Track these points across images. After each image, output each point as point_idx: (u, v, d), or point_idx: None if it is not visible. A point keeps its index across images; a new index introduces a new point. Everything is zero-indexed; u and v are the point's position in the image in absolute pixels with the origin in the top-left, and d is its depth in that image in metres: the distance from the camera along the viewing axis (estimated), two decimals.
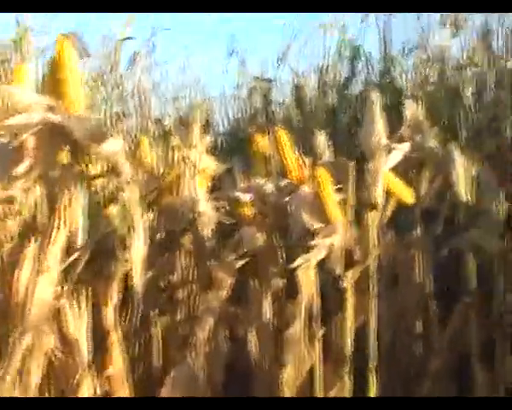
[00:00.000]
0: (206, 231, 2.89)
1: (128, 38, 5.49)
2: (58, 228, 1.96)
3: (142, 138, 3.45)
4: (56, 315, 2.16)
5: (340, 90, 5.10)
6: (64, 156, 2.03)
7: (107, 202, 2.54)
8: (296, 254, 2.59)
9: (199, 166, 2.93)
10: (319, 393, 2.65)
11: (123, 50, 4.83)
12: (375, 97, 2.68)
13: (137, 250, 2.04)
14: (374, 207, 2.64)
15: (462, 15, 4.59)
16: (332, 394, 2.66)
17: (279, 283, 2.78)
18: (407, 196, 2.87)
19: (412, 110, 3.08)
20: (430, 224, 3.15)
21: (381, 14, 4.91)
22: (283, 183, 2.76)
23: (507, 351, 2.94)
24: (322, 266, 2.63)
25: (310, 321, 2.67)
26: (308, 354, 2.65)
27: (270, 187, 2.76)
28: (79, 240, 2.17)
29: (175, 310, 3.03)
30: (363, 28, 5.03)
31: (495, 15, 4.42)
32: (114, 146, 2.01)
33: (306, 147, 2.93)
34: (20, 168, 1.91)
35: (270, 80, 5.63)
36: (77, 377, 2.18)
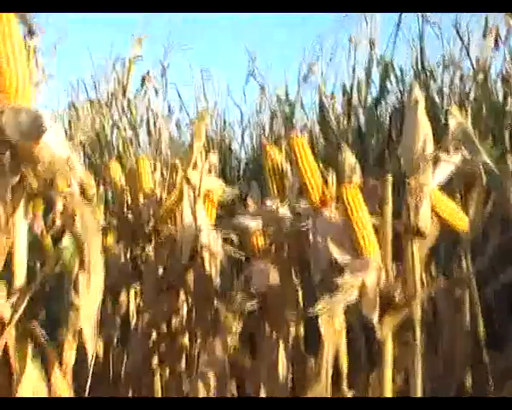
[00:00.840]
0: (210, 266, 2.83)
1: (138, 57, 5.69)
2: None
3: (141, 159, 3.23)
4: None
5: (370, 110, 5.12)
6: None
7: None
8: (318, 295, 2.28)
9: (201, 189, 2.85)
10: None
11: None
12: (419, 96, 2.22)
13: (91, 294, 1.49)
14: (419, 234, 2.15)
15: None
16: None
17: (297, 331, 2.64)
18: (461, 221, 2.35)
19: (458, 120, 2.66)
20: (478, 254, 2.91)
21: (413, 26, 5.03)
22: (302, 205, 2.50)
23: None
24: (351, 311, 2.30)
25: (336, 380, 2.36)
26: None
27: (284, 210, 2.52)
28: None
29: (174, 360, 3.03)
30: (392, 42, 5.11)
31: None
32: (60, 150, 1.50)
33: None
34: None
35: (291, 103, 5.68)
36: None
